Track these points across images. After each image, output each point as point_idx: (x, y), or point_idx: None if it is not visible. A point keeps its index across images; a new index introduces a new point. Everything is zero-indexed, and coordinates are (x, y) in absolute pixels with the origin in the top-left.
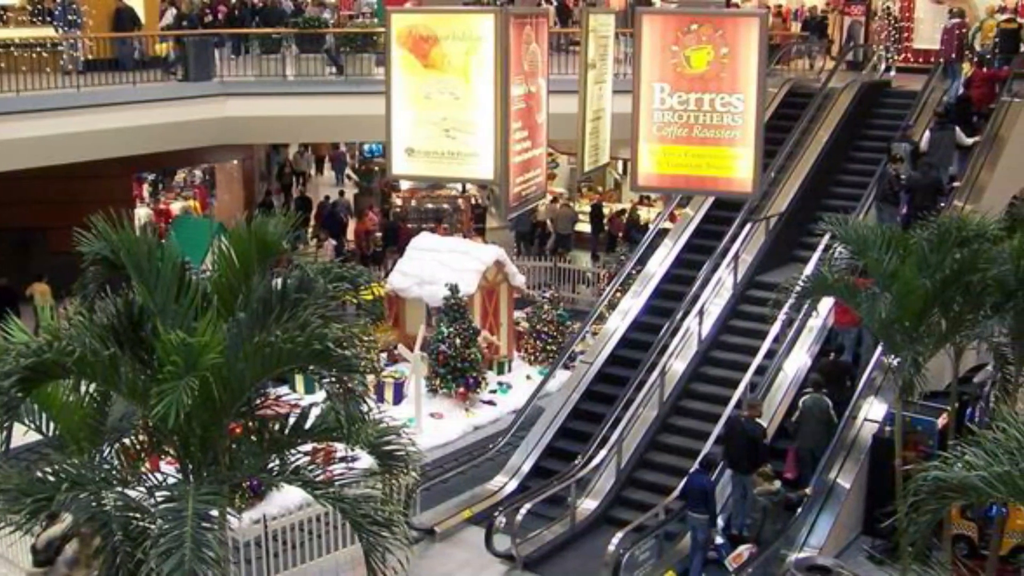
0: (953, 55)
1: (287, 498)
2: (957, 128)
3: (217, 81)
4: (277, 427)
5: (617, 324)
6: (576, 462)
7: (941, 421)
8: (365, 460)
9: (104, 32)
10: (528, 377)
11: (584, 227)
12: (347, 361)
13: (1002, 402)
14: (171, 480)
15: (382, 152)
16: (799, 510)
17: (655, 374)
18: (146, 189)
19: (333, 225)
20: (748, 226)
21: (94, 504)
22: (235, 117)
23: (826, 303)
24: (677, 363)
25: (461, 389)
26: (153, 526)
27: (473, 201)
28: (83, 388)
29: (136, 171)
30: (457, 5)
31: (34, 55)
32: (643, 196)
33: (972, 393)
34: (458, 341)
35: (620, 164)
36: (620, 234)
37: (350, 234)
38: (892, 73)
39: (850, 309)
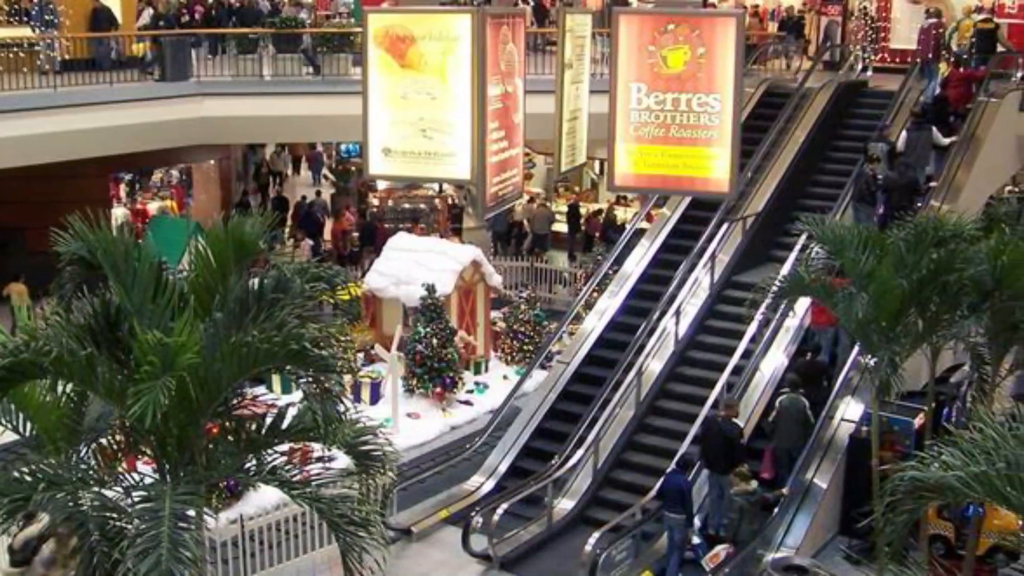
0: (930, 55)
1: (264, 498)
2: (934, 128)
3: (194, 81)
4: (254, 427)
5: (594, 324)
6: (553, 462)
7: (918, 421)
8: (342, 460)
9: (81, 32)
10: (505, 377)
11: (561, 227)
12: (324, 361)
13: (979, 402)
14: (148, 480)
15: (359, 152)
16: (776, 510)
17: (632, 374)
18: (123, 189)
19: (310, 225)
20: (725, 226)
21: (71, 504)
22: (212, 117)
23: (803, 303)
24: (654, 363)
25: (438, 389)
26: (130, 526)
27: (450, 201)
28: (60, 388)
29: (113, 171)
30: (434, 5)
31: (11, 55)
32: (620, 196)
33: (949, 393)
34: (435, 341)
35: (597, 164)
36: (597, 234)
37: (327, 234)
38: (869, 73)
39: (827, 309)
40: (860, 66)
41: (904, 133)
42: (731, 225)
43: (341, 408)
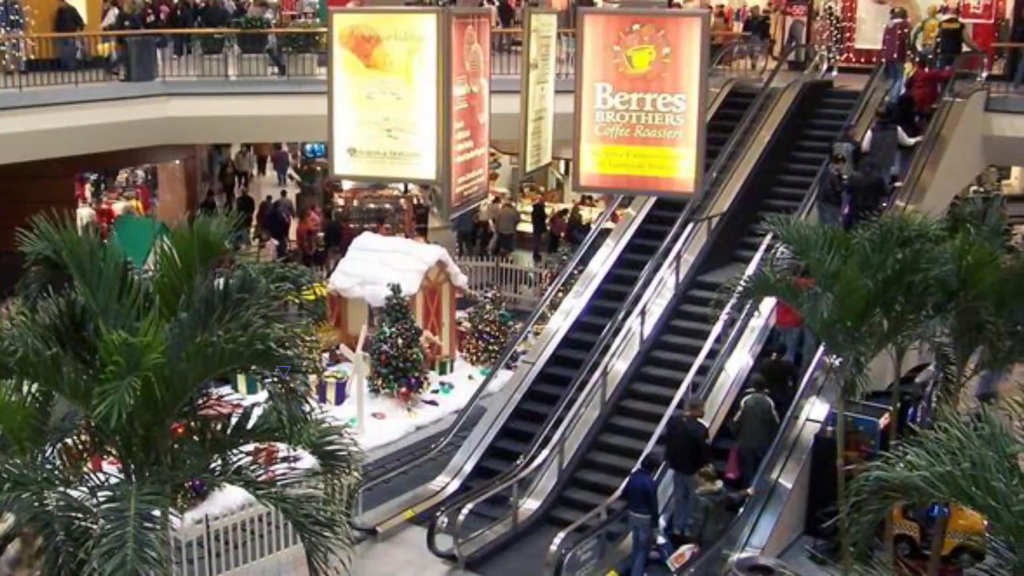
0: (895, 55)
1: (229, 498)
2: (899, 128)
3: (159, 81)
4: (219, 427)
5: (559, 324)
6: (518, 462)
7: (883, 421)
8: (307, 460)
9: (46, 32)
10: (470, 377)
11: (526, 227)
12: (289, 361)
13: (944, 402)
14: (113, 480)
15: (324, 152)
16: (741, 510)
17: (597, 374)
18: (88, 189)
19: (275, 225)
20: (690, 226)
21: (36, 504)
22: (177, 117)
23: (768, 303)
24: (619, 363)
25: (403, 389)
26: (95, 526)
27: (415, 201)
28: (25, 388)
29: (78, 171)
30: (399, 5)
31: None
32: (585, 196)
33: (914, 393)
34: (400, 341)
35: (562, 164)
36: (562, 234)
37: (292, 234)
38: (834, 73)
39: (792, 309)
40: (825, 66)
41: (869, 133)
42: (696, 225)
43: (306, 408)
